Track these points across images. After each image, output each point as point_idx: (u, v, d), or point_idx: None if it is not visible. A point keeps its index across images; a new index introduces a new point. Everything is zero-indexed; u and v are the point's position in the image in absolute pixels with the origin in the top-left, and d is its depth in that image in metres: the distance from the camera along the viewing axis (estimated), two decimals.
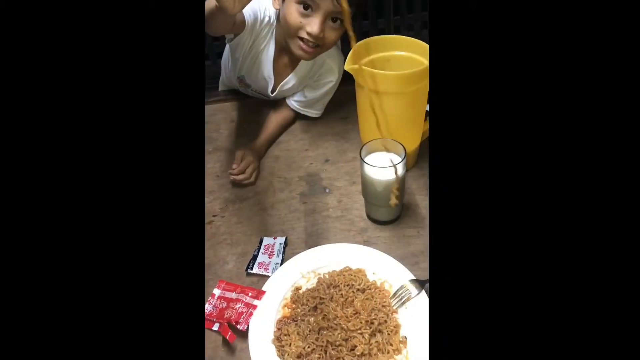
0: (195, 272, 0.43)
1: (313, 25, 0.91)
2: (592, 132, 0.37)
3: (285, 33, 0.99)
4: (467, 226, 0.40)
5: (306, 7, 0.91)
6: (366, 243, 0.92)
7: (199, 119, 0.43)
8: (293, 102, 1.18)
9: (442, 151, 0.41)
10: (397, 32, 1.60)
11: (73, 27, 0.39)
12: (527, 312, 0.38)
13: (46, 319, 0.38)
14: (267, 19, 1.03)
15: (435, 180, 0.42)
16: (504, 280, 0.39)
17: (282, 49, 1.06)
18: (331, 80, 1.11)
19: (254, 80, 1.17)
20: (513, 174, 0.39)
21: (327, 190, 1.05)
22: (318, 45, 0.98)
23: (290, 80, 1.13)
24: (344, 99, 1.21)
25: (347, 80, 1.05)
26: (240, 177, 1.03)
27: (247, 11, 0.94)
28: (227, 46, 1.14)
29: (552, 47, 0.38)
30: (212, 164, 1.15)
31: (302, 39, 0.96)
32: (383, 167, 0.86)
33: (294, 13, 0.93)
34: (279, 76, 1.13)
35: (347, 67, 0.92)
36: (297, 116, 1.22)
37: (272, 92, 1.16)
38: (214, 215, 1.03)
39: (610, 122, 0.37)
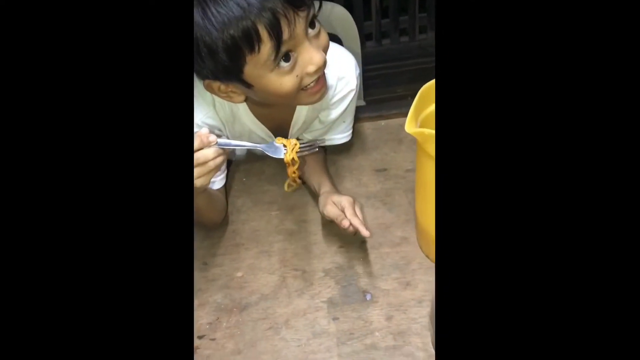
0: None
1: (313, 58, 0.67)
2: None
3: (283, 101, 0.75)
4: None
5: (287, 58, 0.66)
6: None
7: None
8: (308, 137, 0.88)
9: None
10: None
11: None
12: None
13: None
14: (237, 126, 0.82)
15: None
16: None
17: (264, 113, 0.82)
18: (352, 89, 0.85)
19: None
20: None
21: (367, 297, 0.72)
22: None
23: (296, 123, 0.86)
24: (376, 137, 0.95)
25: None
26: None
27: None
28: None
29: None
30: (198, 243, 0.82)
31: (306, 86, 0.71)
32: None
33: (279, 79, 0.68)
34: (281, 130, 0.85)
35: (410, 129, 0.60)
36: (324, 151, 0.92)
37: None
38: (199, 337, 0.70)
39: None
